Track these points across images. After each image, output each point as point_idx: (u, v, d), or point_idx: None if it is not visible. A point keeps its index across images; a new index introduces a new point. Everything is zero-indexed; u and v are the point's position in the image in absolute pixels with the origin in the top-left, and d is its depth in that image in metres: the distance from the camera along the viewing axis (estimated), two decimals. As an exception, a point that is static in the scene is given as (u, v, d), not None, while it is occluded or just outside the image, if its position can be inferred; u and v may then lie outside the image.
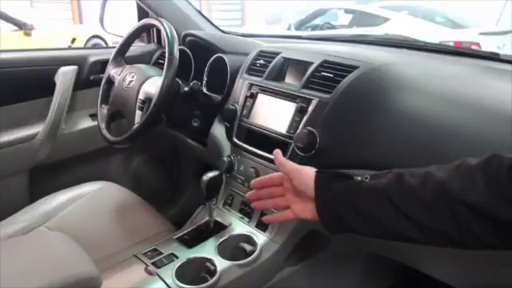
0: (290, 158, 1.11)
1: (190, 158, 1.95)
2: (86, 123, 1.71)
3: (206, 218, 1.23)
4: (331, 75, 1.11)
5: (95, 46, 6.06)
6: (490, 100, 0.92)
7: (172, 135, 1.63)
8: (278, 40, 1.70)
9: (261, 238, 1.16)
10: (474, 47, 4.32)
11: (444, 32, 5.08)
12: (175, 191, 2.02)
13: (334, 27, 5.96)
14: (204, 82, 1.48)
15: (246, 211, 1.24)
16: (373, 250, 1.23)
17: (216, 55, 1.46)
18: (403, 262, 1.15)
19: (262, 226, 1.19)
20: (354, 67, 1.08)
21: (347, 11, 6.32)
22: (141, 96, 1.34)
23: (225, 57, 1.42)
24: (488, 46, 4.19)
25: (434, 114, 0.95)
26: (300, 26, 6.30)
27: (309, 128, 1.07)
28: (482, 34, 4.61)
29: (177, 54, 1.28)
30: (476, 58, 1.23)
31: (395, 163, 0.97)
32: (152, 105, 1.26)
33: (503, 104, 0.89)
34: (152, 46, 1.85)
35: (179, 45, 1.34)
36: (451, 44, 4.23)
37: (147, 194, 1.56)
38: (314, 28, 6.19)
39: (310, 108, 1.10)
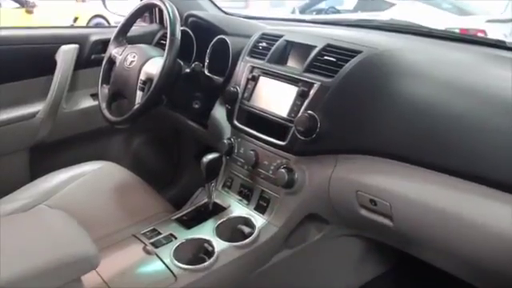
0: (290, 142, 1.11)
1: (191, 140, 1.95)
2: (87, 103, 1.71)
3: (205, 200, 1.24)
4: (334, 59, 1.10)
5: (97, 26, 6.02)
6: (495, 88, 0.92)
7: (173, 117, 1.63)
8: (281, 23, 1.68)
9: (259, 220, 1.17)
10: (479, 35, 4.28)
11: (450, 18, 5.02)
12: (175, 172, 2.02)
13: (338, 11, 5.89)
14: (206, 63, 1.47)
15: (246, 194, 1.25)
16: (371, 236, 1.24)
17: (218, 37, 1.45)
18: (401, 249, 1.17)
19: (260, 209, 1.20)
20: (357, 52, 1.07)
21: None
22: (142, 76, 1.34)
23: (227, 39, 1.41)
24: (494, 33, 4.15)
25: (437, 101, 0.94)
26: (304, 9, 6.23)
27: (310, 112, 1.07)
28: (488, 21, 4.56)
29: (179, 34, 1.27)
30: (482, 46, 1.22)
31: (396, 150, 0.98)
32: (153, 86, 1.26)
33: (509, 92, 0.88)
34: (154, 27, 1.84)
35: (181, 26, 1.33)
36: (457, 31, 4.20)
37: (147, 174, 1.57)
38: (319, 12, 6.13)
39: (312, 92, 1.10)
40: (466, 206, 0.86)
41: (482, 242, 0.85)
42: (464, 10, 5.39)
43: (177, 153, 2.03)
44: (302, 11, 6.24)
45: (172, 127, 1.92)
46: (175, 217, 1.22)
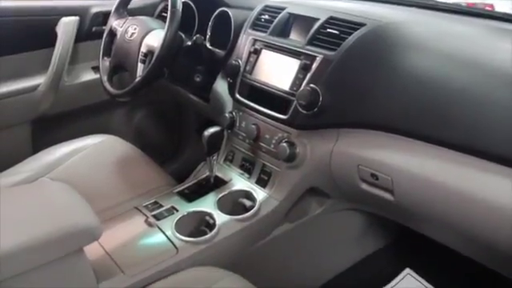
0: (292, 116, 1.11)
1: (192, 114, 1.95)
2: (89, 76, 1.70)
3: (207, 174, 1.25)
4: (337, 32, 1.09)
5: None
6: (499, 61, 0.90)
7: (174, 90, 1.62)
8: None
9: (260, 194, 1.18)
10: (487, 9, 4.20)
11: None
12: (177, 146, 2.03)
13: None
14: (207, 36, 1.46)
15: (247, 167, 1.25)
16: (371, 210, 1.25)
17: (220, 9, 1.43)
18: (401, 223, 1.17)
19: (261, 183, 1.20)
20: (361, 24, 1.06)
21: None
22: (143, 49, 1.33)
23: (229, 11, 1.39)
24: (502, 7, 4.08)
25: (440, 74, 0.93)
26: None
27: (312, 85, 1.06)
28: (497, -5, 4.48)
29: (180, 6, 1.26)
30: (488, 19, 1.20)
31: (398, 124, 0.97)
32: (154, 58, 1.25)
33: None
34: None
35: None
36: (464, 4, 4.13)
37: (149, 148, 1.57)
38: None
39: (314, 65, 1.09)
40: (467, 180, 0.86)
41: (481, 217, 0.85)
42: (472, -17, 5.28)
43: (178, 127, 2.03)
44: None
45: (174, 101, 1.91)
46: (177, 190, 1.22)
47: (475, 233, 0.90)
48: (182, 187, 1.23)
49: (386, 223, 1.29)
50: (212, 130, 1.17)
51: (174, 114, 2.01)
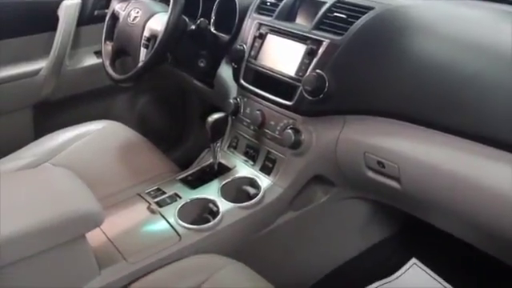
0: (298, 102, 1.10)
1: (196, 100, 1.95)
2: (91, 60, 1.69)
3: (211, 160, 1.25)
4: (344, 16, 1.08)
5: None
6: (509, 45, 0.89)
7: (178, 75, 1.61)
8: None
9: (265, 181, 1.18)
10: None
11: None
12: (181, 133, 2.03)
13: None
14: (212, 20, 1.45)
15: (251, 154, 1.25)
16: (377, 198, 1.25)
17: (224, -7, 1.42)
18: (407, 211, 1.17)
19: (266, 170, 1.20)
20: (369, 8, 1.05)
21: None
22: (146, 33, 1.32)
23: (234, -5, 1.38)
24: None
25: (450, 59, 0.92)
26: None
27: (318, 71, 1.05)
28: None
29: None
30: (499, 3, 1.18)
31: (406, 111, 0.96)
32: (157, 42, 1.24)
33: None
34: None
35: None
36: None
37: (152, 134, 1.57)
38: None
39: (321, 50, 1.08)
40: (474, 168, 0.86)
41: (487, 204, 0.85)
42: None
43: (182, 113, 2.03)
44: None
45: (177, 86, 1.91)
46: (180, 177, 1.23)
47: (481, 221, 0.89)
48: (186, 174, 1.24)
49: (392, 212, 1.29)
50: (216, 115, 1.17)
51: (177, 100, 2.01)
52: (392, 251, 1.47)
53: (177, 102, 2.01)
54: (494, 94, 0.84)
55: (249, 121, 1.25)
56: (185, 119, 2.03)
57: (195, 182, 1.20)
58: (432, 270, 1.42)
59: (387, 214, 1.43)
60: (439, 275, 1.40)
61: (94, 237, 0.95)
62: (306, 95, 1.07)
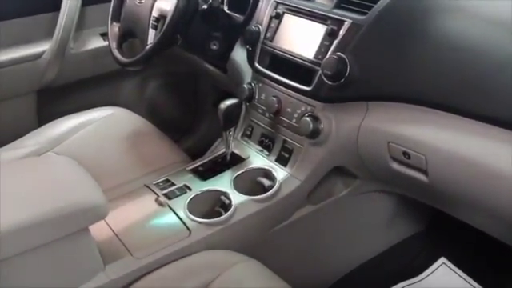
0: (317, 88, 1.09)
1: (209, 86, 1.95)
2: (97, 43, 1.71)
3: (223, 150, 1.25)
4: (368, -6, 1.06)
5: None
6: None
7: (189, 59, 1.61)
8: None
9: (281, 172, 1.18)
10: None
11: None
12: (193, 121, 2.04)
13: None
14: (228, -1, 1.44)
15: (266, 144, 1.25)
16: (402, 192, 1.24)
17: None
18: (435, 206, 1.16)
19: (282, 161, 1.20)
20: None
21: None
22: (154, 13, 1.33)
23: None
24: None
25: (482, 41, 0.90)
26: None
27: (339, 54, 1.04)
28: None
29: None
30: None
31: (434, 96, 0.95)
32: (166, 23, 1.25)
33: None
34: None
35: None
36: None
37: (162, 122, 1.58)
38: None
39: (342, 31, 1.07)
40: (506, 158, 0.84)
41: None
42: None
43: (194, 99, 2.03)
44: None
45: (189, 71, 1.91)
46: (190, 167, 1.23)
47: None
48: (196, 164, 1.24)
49: (419, 207, 1.28)
50: (228, 102, 1.17)
51: (189, 86, 2.01)
52: (419, 249, 1.46)
53: (188, 88, 2.02)
54: None
55: (264, 108, 1.24)
56: (197, 106, 2.04)
57: (206, 172, 1.20)
58: (462, 270, 1.40)
59: (413, 209, 1.42)
60: (470, 276, 1.38)
61: (99, 230, 0.97)
62: (325, 80, 1.06)
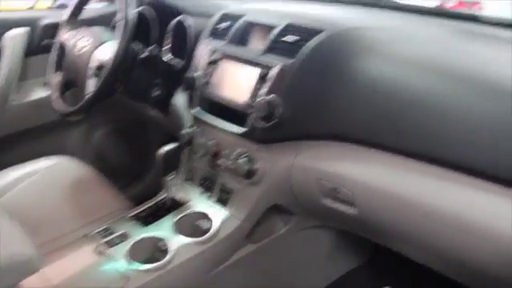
0: (251, 129, 1.13)
1: (156, 131, 1.96)
2: (40, 93, 1.71)
3: (166, 195, 1.27)
4: (295, 39, 1.12)
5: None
6: (466, 66, 0.93)
7: (133, 105, 1.64)
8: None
9: (221, 213, 1.20)
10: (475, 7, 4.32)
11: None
12: (141, 166, 2.04)
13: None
14: (168, 46, 1.48)
15: (207, 186, 1.27)
16: (337, 226, 1.27)
17: (178, 18, 1.46)
18: (371, 239, 1.19)
19: (222, 202, 1.22)
20: (319, 30, 1.09)
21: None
22: (94, 63, 1.35)
23: (187, 20, 1.42)
24: (492, 4, 4.16)
25: (402, 81, 0.96)
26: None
27: (271, 96, 1.09)
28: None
29: (133, 16, 1.28)
30: (455, 20, 1.24)
31: (360, 134, 1.00)
32: (105, 72, 1.27)
33: (481, 70, 0.90)
34: (113, 7, 1.83)
35: (140, 5, 1.34)
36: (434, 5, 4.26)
37: (110, 170, 1.58)
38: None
39: (272, 75, 1.11)
40: (427, 191, 0.89)
41: (441, 228, 0.88)
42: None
43: (142, 145, 2.04)
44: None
45: (136, 118, 1.92)
46: (132, 214, 1.24)
47: (439, 246, 0.92)
48: (138, 211, 1.26)
49: (360, 240, 1.31)
50: (167, 147, 1.20)
51: (136, 132, 2.02)
52: (363, 282, 1.49)
53: (136, 134, 2.03)
54: (450, 116, 0.88)
55: (204, 151, 1.27)
56: (145, 152, 2.04)
57: (148, 218, 1.22)
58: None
59: (355, 242, 1.45)
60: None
61: (36, 284, 0.96)
62: (259, 121, 1.10)
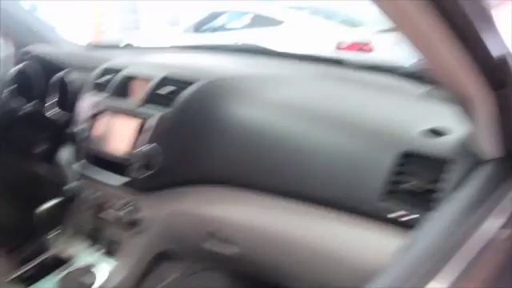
0: (134, 179, 1.15)
1: (46, 186, 1.91)
2: None
3: (52, 252, 1.24)
4: (171, 90, 1.17)
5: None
6: (322, 107, 1.02)
7: (19, 162, 1.59)
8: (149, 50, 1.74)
9: (109, 264, 1.19)
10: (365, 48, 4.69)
11: (342, 31, 5.38)
12: (32, 226, 1.95)
13: (228, 29, 6.14)
14: (54, 100, 1.47)
15: (95, 238, 1.26)
16: (226, 268, 1.30)
17: (60, 72, 1.46)
18: (261, 278, 1.23)
19: (110, 253, 1.22)
20: (192, 82, 1.14)
21: (242, 13, 6.45)
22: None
23: (69, 74, 1.43)
24: (383, 43, 4.52)
25: (271, 125, 1.04)
26: (198, 28, 6.36)
27: (150, 145, 1.12)
28: (379, 31, 4.92)
29: (10, 73, 1.27)
30: (323, 64, 1.35)
31: (236, 177, 1.06)
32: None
33: (337, 111, 0.99)
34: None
35: (23, 60, 1.33)
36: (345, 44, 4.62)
37: (1, 231, 1.51)
38: (215, 30, 6.31)
39: (151, 125, 1.15)
40: (296, 227, 0.96)
41: (312, 263, 0.94)
42: (356, 21, 5.79)
43: (34, 203, 1.96)
44: (196, 30, 6.38)
45: (23, 174, 1.86)
46: (14, 276, 1.20)
47: (317, 280, 0.98)
48: (19, 273, 1.21)
49: (256, 281, 1.34)
50: (48, 204, 1.19)
51: (27, 190, 1.95)
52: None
53: (26, 193, 1.95)
54: (307, 155, 0.96)
55: (89, 204, 1.27)
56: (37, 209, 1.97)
57: (31, 279, 1.18)
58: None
59: (250, 282, 1.48)
60: None
61: None
62: (139, 171, 1.12)
